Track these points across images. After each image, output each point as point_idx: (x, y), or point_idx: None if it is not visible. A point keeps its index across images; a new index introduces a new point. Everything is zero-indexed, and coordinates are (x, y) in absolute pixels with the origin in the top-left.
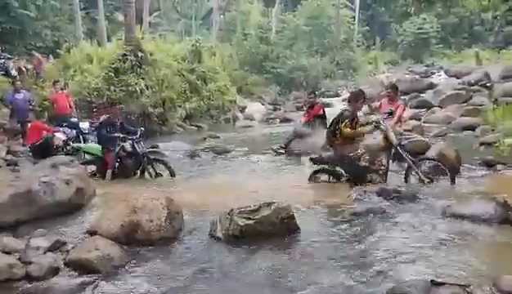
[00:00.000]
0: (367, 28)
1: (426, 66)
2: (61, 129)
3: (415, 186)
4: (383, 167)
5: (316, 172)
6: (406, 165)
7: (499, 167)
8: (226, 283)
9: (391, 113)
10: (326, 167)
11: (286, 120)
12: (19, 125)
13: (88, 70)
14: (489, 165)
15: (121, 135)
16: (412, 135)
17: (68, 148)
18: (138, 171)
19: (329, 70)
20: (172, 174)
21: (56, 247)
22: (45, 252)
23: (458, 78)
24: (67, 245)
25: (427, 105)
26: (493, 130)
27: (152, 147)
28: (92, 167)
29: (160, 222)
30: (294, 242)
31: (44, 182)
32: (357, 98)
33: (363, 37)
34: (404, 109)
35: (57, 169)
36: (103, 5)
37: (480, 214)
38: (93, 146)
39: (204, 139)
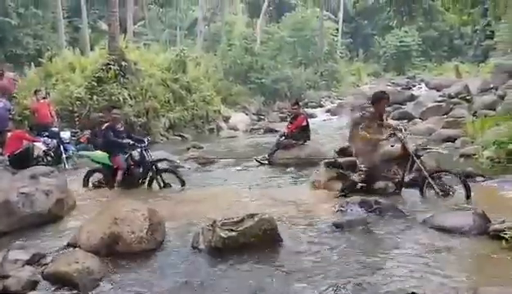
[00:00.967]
0: (350, 40)
1: (408, 78)
2: (42, 139)
3: (395, 198)
4: (398, 177)
5: (331, 178)
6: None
7: (478, 178)
8: None
9: None
10: (341, 171)
11: (270, 130)
12: None
13: (71, 79)
14: (468, 177)
15: (131, 142)
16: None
17: (48, 158)
18: (146, 181)
19: (312, 81)
20: (183, 184)
21: (35, 260)
22: (23, 265)
23: (438, 91)
24: (46, 258)
25: (408, 117)
26: (472, 142)
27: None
28: (98, 176)
29: (142, 234)
30: (277, 253)
31: (23, 193)
32: (380, 99)
33: (346, 49)
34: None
35: (37, 180)
36: (87, 14)
37: (459, 226)
38: (100, 154)
39: (188, 149)
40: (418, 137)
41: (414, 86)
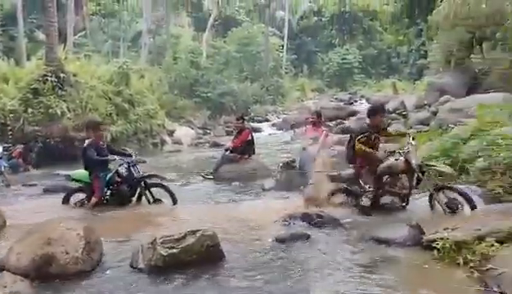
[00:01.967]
0: (295, 56)
1: (350, 94)
2: None
3: (337, 211)
4: (404, 191)
5: (333, 192)
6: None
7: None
8: None
9: (316, 140)
10: (345, 186)
11: (216, 145)
12: None
13: (4, 91)
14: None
15: (117, 158)
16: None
17: None
18: (134, 198)
19: (258, 96)
20: (174, 199)
21: None
22: None
23: None
24: None
25: (350, 131)
26: None
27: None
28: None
29: (77, 254)
30: (219, 270)
31: None
32: (376, 112)
33: (291, 65)
34: (327, 135)
35: None
36: (23, 22)
37: (395, 238)
38: (81, 172)
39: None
40: None
41: (355, 101)
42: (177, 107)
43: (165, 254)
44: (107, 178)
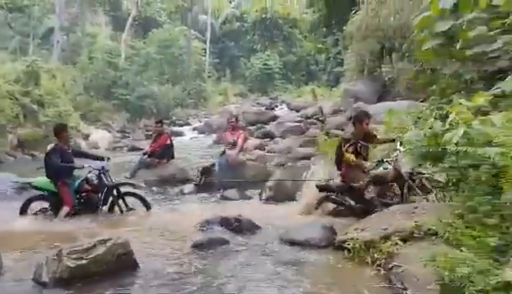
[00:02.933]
0: (218, 60)
1: (271, 99)
2: None
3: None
4: (396, 200)
5: (321, 201)
6: None
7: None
8: None
9: (235, 144)
10: (333, 195)
11: (135, 149)
12: None
13: None
14: (321, 190)
15: (85, 166)
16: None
17: None
18: (105, 207)
19: (180, 99)
20: (148, 208)
21: None
22: None
23: (297, 112)
24: None
25: (271, 136)
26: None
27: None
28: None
29: None
30: (131, 280)
31: None
32: (361, 119)
33: (214, 69)
34: (245, 139)
35: None
36: None
37: (310, 239)
38: (41, 180)
39: (38, 169)
40: (278, 155)
41: (276, 106)
42: (94, 109)
43: (72, 265)
44: (75, 186)
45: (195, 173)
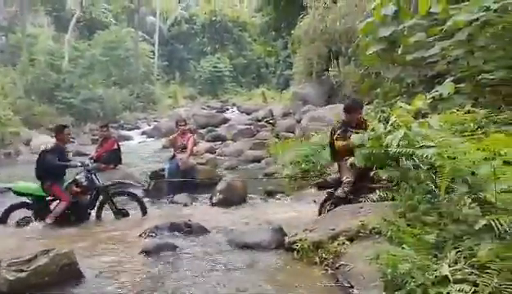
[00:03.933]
0: (167, 63)
1: (221, 102)
2: None
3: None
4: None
5: (325, 201)
6: None
7: (278, 195)
8: None
9: (184, 148)
10: (333, 191)
11: (80, 154)
12: None
13: None
14: (270, 194)
15: (85, 163)
16: None
17: None
18: (94, 211)
19: (128, 102)
20: (144, 211)
21: None
22: None
23: (248, 114)
24: None
25: (221, 139)
26: (275, 162)
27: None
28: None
29: None
30: (76, 291)
31: None
32: (353, 108)
33: (163, 72)
34: (195, 142)
35: None
36: None
37: (260, 241)
38: (30, 185)
39: None
40: (228, 158)
41: (227, 109)
42: (36, 113)
43: (11, 278)
44: (63, 187)
45: (144, 178)
